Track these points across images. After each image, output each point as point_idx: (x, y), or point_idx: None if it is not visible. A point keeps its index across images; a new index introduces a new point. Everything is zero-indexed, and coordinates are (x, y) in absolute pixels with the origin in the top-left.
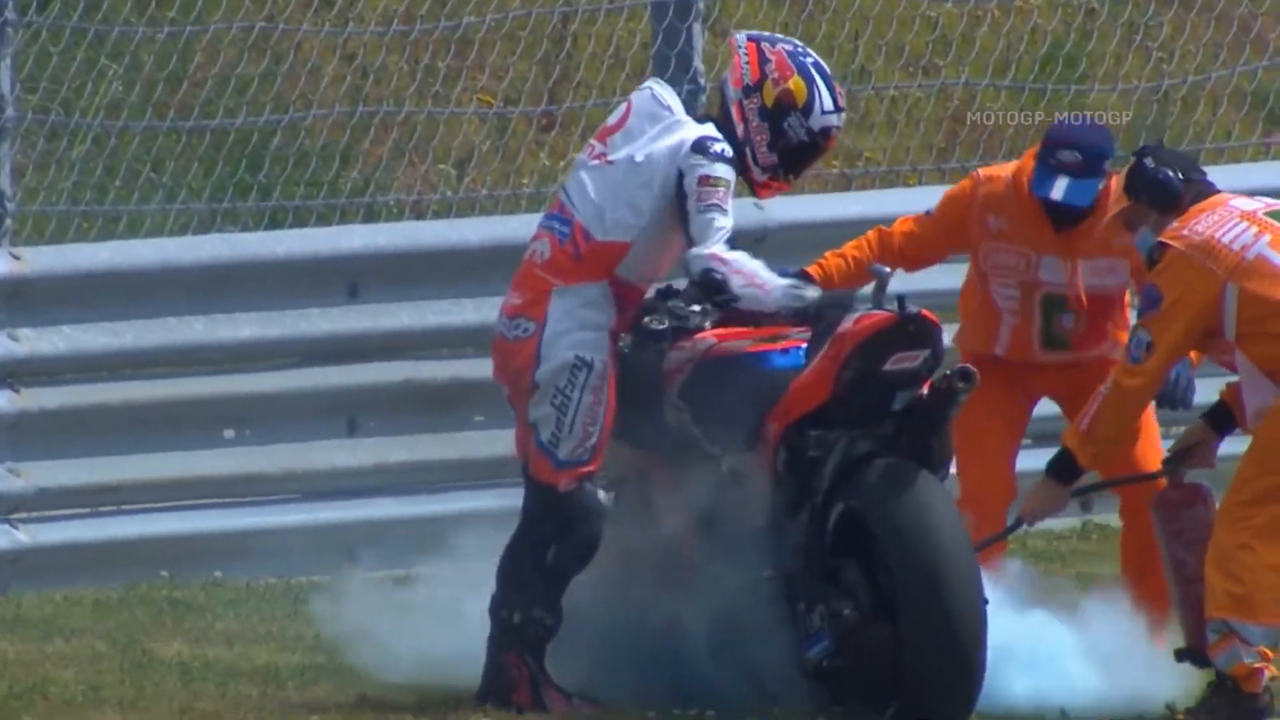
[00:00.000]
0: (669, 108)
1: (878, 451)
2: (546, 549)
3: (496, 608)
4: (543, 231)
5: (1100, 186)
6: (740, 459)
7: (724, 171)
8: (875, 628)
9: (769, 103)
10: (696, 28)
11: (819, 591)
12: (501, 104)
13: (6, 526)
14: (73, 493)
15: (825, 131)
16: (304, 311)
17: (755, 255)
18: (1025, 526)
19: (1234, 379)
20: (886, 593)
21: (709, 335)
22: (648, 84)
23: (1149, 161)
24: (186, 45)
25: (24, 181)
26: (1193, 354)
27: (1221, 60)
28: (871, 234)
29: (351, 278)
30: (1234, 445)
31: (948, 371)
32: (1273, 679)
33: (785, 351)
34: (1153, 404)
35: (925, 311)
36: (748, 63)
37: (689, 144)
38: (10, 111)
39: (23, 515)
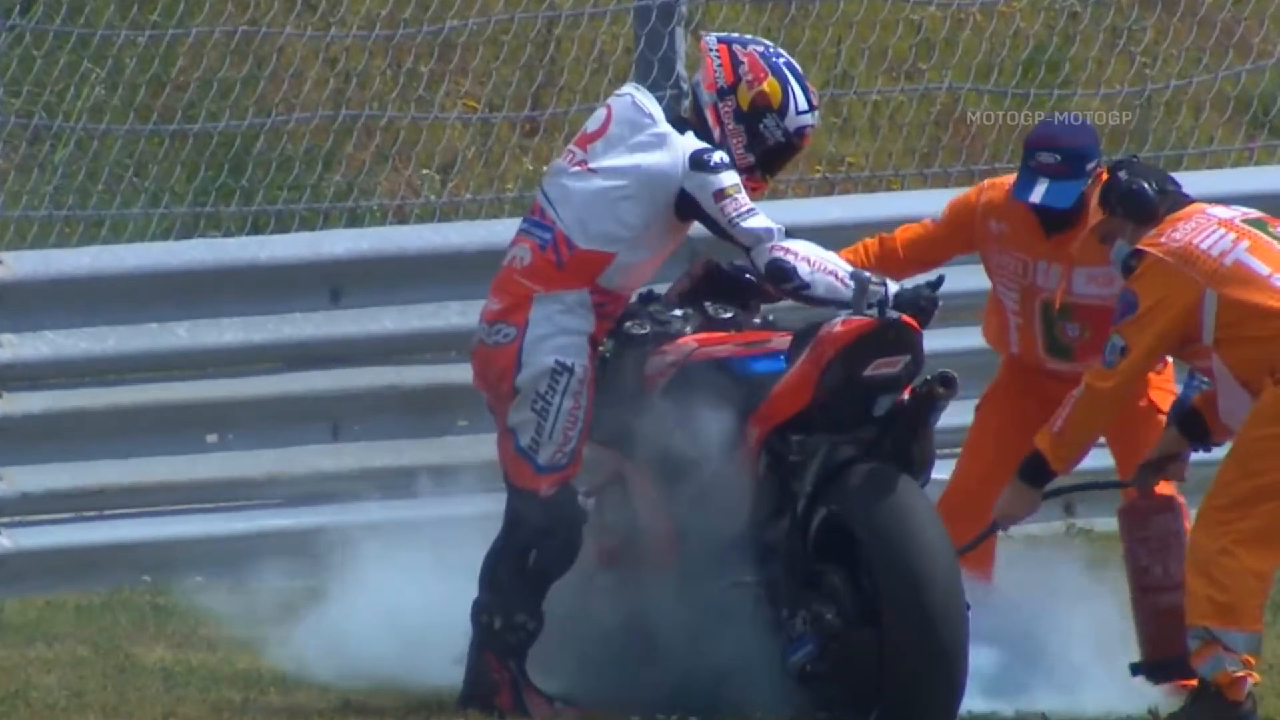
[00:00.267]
0: (650, 115)
1: (859, 456)
2: (527, 553)
3: (478, 612)
4: (522, 237)
5: (1083, 188)
6: (722, 464)
7: (730, 177)
8: (858, 632)
9: (744, 105)
10: (679, 32)
11: (802, 596)
12: (485, 109)
13: None
14: (56, 497)
15: (800, 131)
16: (287, 316)
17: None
18: (1001, 530)
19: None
20: (869, 597)
21: (690, 340)
22: (627, 90)
23: (1123, 174)
24: (169, 49)
25: (7, 185)
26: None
27: (1204, 65)
28: (871, 240)
29: (335, 282)
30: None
31: (928, 377)
32: (1255, 686)
33: (766, 356)
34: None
35: (906, 317)
36: (720, 65)
37: (685, 163)
38: None
39: (5, 520)
